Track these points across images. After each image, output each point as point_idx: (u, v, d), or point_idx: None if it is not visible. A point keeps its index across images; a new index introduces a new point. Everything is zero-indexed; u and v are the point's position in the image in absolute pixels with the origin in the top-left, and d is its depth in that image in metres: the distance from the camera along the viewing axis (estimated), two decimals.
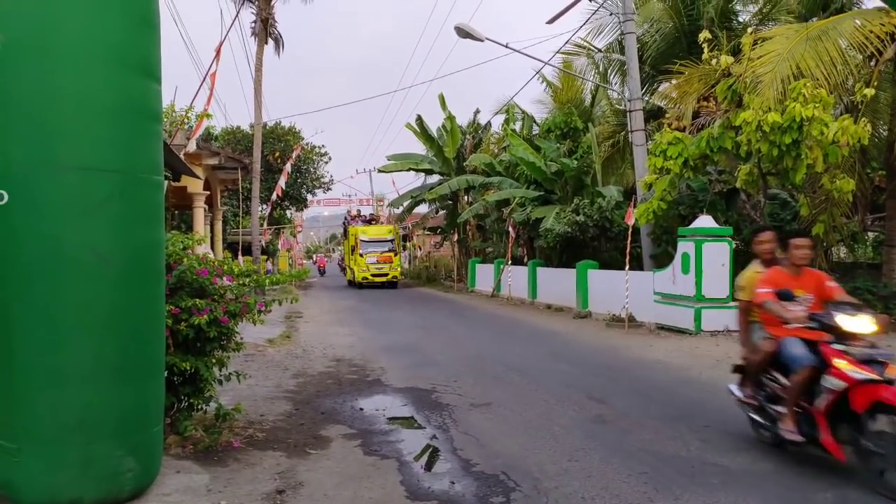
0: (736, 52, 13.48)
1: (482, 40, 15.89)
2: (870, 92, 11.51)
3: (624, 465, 5.26)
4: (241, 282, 6.26)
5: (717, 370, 8.96)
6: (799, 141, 11.31)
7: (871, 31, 12.18)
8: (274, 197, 31.13)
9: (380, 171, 29.83)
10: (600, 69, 21.08)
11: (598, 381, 8.54)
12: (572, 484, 4.90)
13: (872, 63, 13.08)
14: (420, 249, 42.48)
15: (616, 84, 20.62)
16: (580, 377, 8.78)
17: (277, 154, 34.70)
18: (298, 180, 37.92)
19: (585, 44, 20.02)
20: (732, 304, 11.96)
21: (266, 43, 24.86)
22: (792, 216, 14.43)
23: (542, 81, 23.77)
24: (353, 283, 32.14)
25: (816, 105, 11.17)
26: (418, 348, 11.59)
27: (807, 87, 11.36)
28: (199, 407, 6.16)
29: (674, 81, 17.13)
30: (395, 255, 30.97)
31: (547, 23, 16.09)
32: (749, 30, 13.63)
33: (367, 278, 30.01)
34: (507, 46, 16.37)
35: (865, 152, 13.65)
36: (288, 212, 45.66)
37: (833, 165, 12.16)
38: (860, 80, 12.41)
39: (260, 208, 26.92)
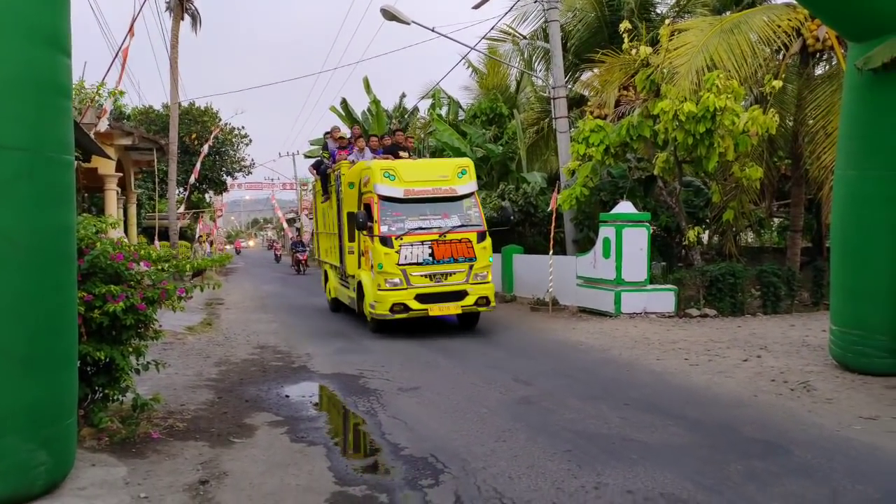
0: (654, 42, 13.89)
1: (408, 23, 15.75)
2: (778, 84, 12.11)
3: (549, 444, 5.39)
4: (160, 267, 6.02)
5: (635, 350, 9.28)
6: (712, 130, 11.78)
7: (779, 26, 12.80)
8: (192, 180, 30.06)
9: (305, 156, 28.63)
10: (525, 56, 21.30)
11: (524, 363, 8.70)
12: (499, 464, 4.99)
13: (780, 56, 13.75)
14: None
15: (540, 71, 20.89)
16: (506, 360, 8.92)
17: (194, 136, 33.39)
18: (217, 163, 36.63)
19: (510, 30, 20.17)
20: (650, 287, 12.42)
21: (182, 19, 23.88)
22: (704, 203, 15.05)
23: (468, 67, 23.81)
24: (340, 307, 14.20)
25: (728, 96, 11.66)
26: (345, 334, 11.49)
27: (720, 79, 11.84)
28: (115, 398, 5.92)
29: (595, 70, 17.52)
30: (482, 238, 11.13)
31: (473, 8, 16.10)
32: (666, 21, 14.06)
33: (404, 306, 10.66)
34: (433, 30, 16.30)
35: (773, 142, 14.35)
36: (206, 195, 44.18)
37: (743, 154, 12.75)
38: (769, 73, 13.02)
39: (177, 191, 25.92)
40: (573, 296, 13.51)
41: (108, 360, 5.53)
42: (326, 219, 14.70)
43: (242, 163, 39.40)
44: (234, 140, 37.98)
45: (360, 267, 11.67)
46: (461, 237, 10.92)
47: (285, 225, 53.51)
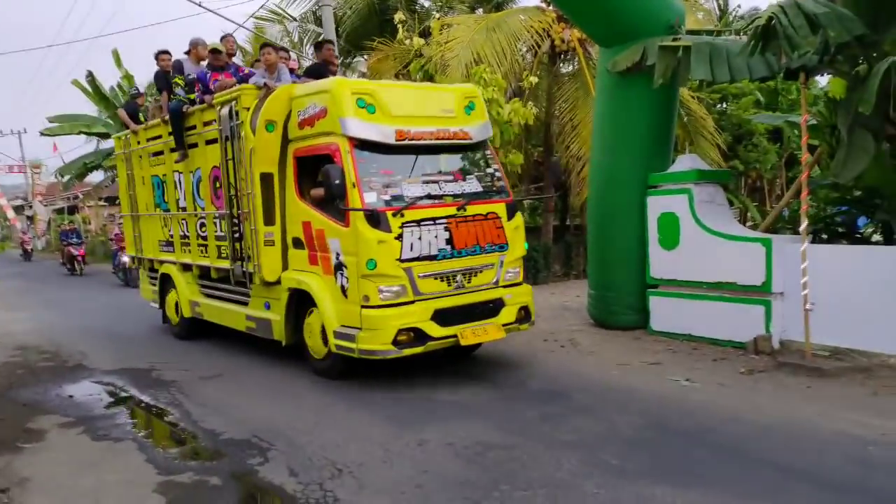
0: (425, 34, 14.68)
1: None
2: (534, 80, 13.51)
3: (368, 413, 5.72)
4: None
5: None
6: None
7: (532, 27, 14.30)
8: None
9: (43, 134, 25.18)
10: (294, 38, 21.05)
11: None
12: (325, 435, 5.21)
13: (533, 55, 15.34)
14: (92, 223, 37.59)
15: (311, 54, 20.80)
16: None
17: None
18: None
19: (280, 11, 19.82)
20: None
21: None
22: None
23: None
24: (210, 332, 9.08)
25: (495, 89, 12.78)
26: (118, 329, 10.62)
27: (486, 72, 12.92)
28: None
29: (366, 57, 18.00)
30: (512, 213, 7.03)
31: None
32: (436, 15, 14.94)
33: (417, 333, 6.27)
34: (199, 5, 15.49)
35: (529, 131, 15.98)
36: None
37: (506, 142, 14.07)
38: (526, 69, 14.47)
39: None
40: None
41: None
42: (169, 190, 9.28)
43: None
44: None
45: (288, 268, 7.19)
46: (486, 211, 6.83)
47: (10, 214, 46.78)
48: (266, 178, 7.15)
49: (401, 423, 5.39)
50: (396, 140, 6.55)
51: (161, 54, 9.41)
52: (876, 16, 6.44)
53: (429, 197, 6.58)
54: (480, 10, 18.62)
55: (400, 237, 6.22)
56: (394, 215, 6.21)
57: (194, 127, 8.44)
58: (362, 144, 6.44)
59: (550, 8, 14.67)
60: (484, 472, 4.41)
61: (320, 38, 10.80)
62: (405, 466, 4.55)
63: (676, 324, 7.95)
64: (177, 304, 9.43)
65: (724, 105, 15.60)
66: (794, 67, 6.89)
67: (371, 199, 6.27)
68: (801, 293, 6.54)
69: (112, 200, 30.32)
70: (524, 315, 7.06)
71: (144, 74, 26.81)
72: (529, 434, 5.07)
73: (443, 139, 6.89)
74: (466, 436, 5.05)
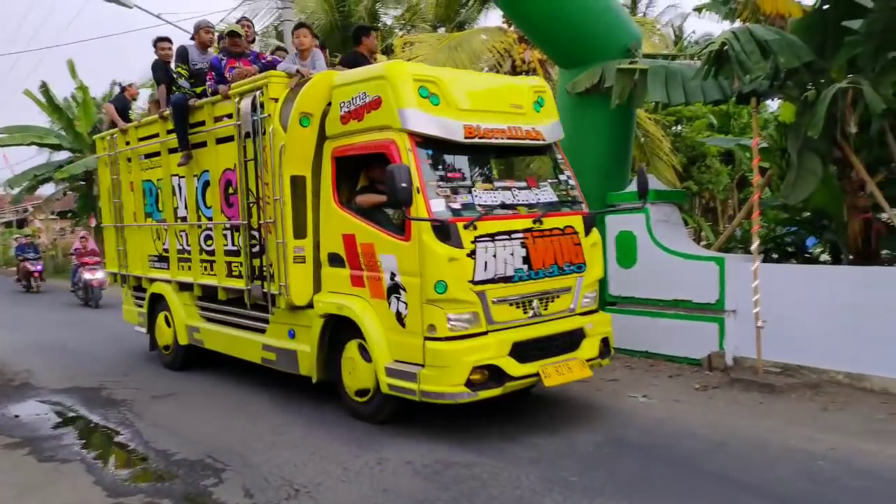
0: (387, 52, 14.76)
1: (130, 7, 14.61)
2: None
3: (326, 433, 5.64)
4: None
5: None
6: None
7: (494, 47, 14.49)
8: None
9: None
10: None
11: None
12: (282, 454, 5.12)
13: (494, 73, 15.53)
14: (42, 237, 36.36)
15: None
16: (255, 366, 8.46)
17: None
18: None
19: None
20: None
21: None
22: None
23: None
24: (205, 360, 8.08)
25: None
26: (66, 346, 10.31)
27: None
28: None
29: None
30: (590, 228, 6.02)
31: None
32: (399, 33, 15.05)
33: (494, 372, 5.24)
34: (158, 17, 15.31)
35: None
36: None
37: None
38: None
39: None
40: None
41: None
42: (164, 197, 8.03)
43: None
44: None
45: (322, 289, 6.11)
46: (563, 224, 5.86)
47: None
48: (296, 182, 6.09)
49: (359, 443, 5.33)
50: (465, 137, 5.51)
51: (160, 41, 8.13)
52: (823, 43, 6.71)
53: (502, 206, 5.61)
54: (443, 28, 18.82)
55: (473, 254, 5.21)
56: (465, 227, 5.19)
57: (202, 123, 7.20)
58: (428, 142, 5.41)
59: (512, 29, 14.89)
60: (444, 490, 4.39)
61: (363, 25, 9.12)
62: (364, 486, 4.50)
63: (634, 341, 8.05)
64: (174, 332, 8.11)
65: (679, 127, 15.99)
66: (746, 92, 7.12)
67: (438, 207, 5.22)
68: (752, 311, 6.70)
69: (63, 214, 29.52)
70: (604, 348, 6.04)
71: (99, 87, 26.26)
72: (489, 451, 5.06)
73: (515, 138, 5.86)
74: (426, 454, 5.02)
